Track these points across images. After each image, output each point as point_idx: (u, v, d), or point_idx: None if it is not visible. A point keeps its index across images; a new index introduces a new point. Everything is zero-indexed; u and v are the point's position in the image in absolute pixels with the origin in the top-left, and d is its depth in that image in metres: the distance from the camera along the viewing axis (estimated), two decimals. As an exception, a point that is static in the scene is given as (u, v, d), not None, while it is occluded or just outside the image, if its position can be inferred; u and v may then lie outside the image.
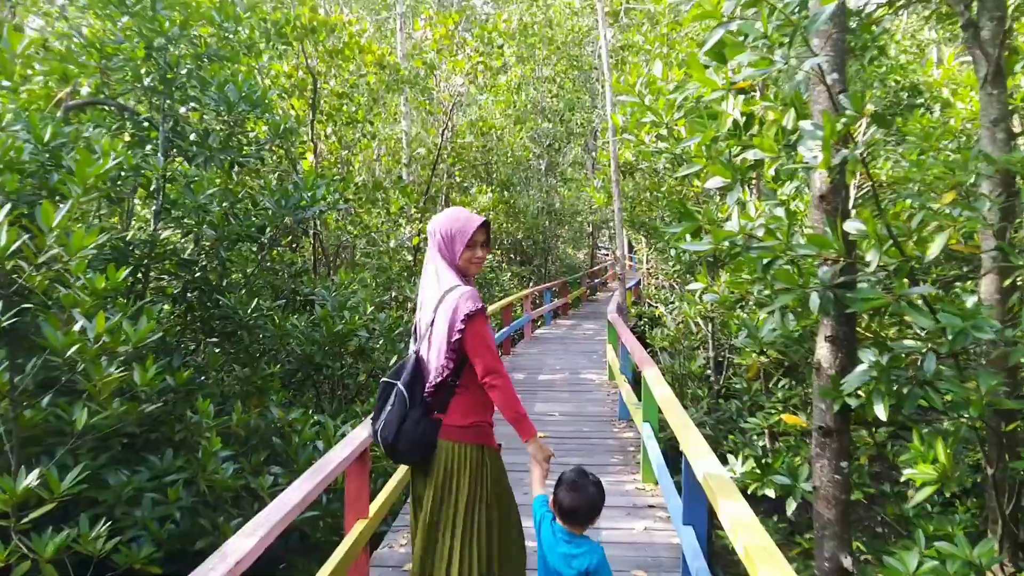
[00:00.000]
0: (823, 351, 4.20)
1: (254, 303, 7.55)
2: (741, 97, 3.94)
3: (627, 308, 12.70)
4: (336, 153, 11.59)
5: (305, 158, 10.96)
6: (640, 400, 6.24)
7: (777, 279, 3.68)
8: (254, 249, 8.66)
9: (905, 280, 3.51)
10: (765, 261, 3.97)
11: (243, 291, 8.33)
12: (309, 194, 8.56)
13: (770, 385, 5.96)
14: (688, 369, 6.94)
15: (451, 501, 2.89)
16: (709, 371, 7.24)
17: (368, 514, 4.06)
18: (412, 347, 3.07)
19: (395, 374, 2.99)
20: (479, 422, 2.96)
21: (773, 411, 5.51)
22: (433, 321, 2.91)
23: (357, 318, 8.27)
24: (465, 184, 17.56)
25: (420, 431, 2.86)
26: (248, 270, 8.61)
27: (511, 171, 20.32)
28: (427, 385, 2.92)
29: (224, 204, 7.54)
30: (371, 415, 3.11)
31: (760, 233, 3.92)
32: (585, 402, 9.40)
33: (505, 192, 19.80)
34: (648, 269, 16.20)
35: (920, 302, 3.51)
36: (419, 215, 11.56)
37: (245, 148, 7.89)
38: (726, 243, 3.92)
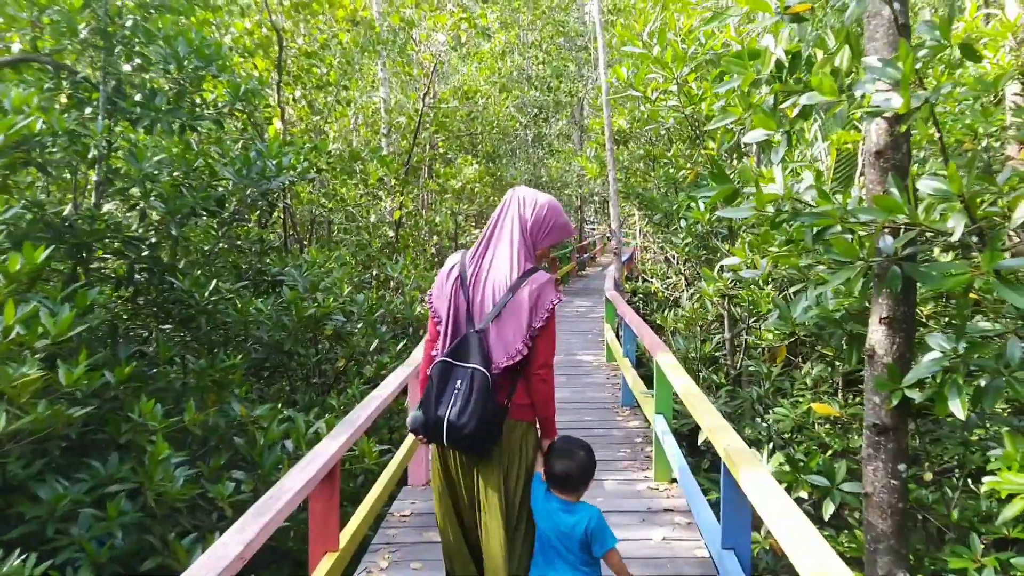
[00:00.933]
0: (877, 335, 3.56)
1: (212, 284, 6.85)
2: (795, 27, 3.26)
3: (622, 284, 12.06)
4: (307, 119, 10.82)
5: (272, 124, 10.19)
6: (651, 389, 5.61)
7: (834, 250, 3.03)
8: (215, 225, 7.93)
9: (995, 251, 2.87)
10: (815, 230, 3.33)
11: (201, 271, 7.61)
12: (274, 163, 7.84)
13: (794, 370, 5.36)
14: (702, 352, 6.33)
15: (511, 477, 2.84)
16: (722, 354, 6.64)
17: (338, 546, 3.41)
18: (450, 325, 2.86)
19: (458, 354, 2.77)
20: (532, 402, 2.90)
21: (800, 399, 4.89)
22: (510, 300, 2.77)
23: (331, 300, 7.59)
24: (449, 155, 16.80)
25: (496, 413, 2.73)
26: (207, 248, 7.89)
27: (497, 142, 19.56)
28: (494, 367, 2.75)
29: (176, 174, 6.82)
30: (418, 403, 2.87)
31: (810, 196, 3.27)
32: (584, 387, 8.77)
33: (491, 164, 19.06)
34: (642, 243, 15.56)
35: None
36: (400, 187, 10.83)
37: (199, 110, 7.14)
38: (770, 209, 3.27)
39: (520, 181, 19.99)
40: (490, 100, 18.91)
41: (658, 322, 6.14)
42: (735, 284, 5.15)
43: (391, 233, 12.47)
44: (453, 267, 2.93)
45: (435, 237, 15.12)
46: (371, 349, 9.09)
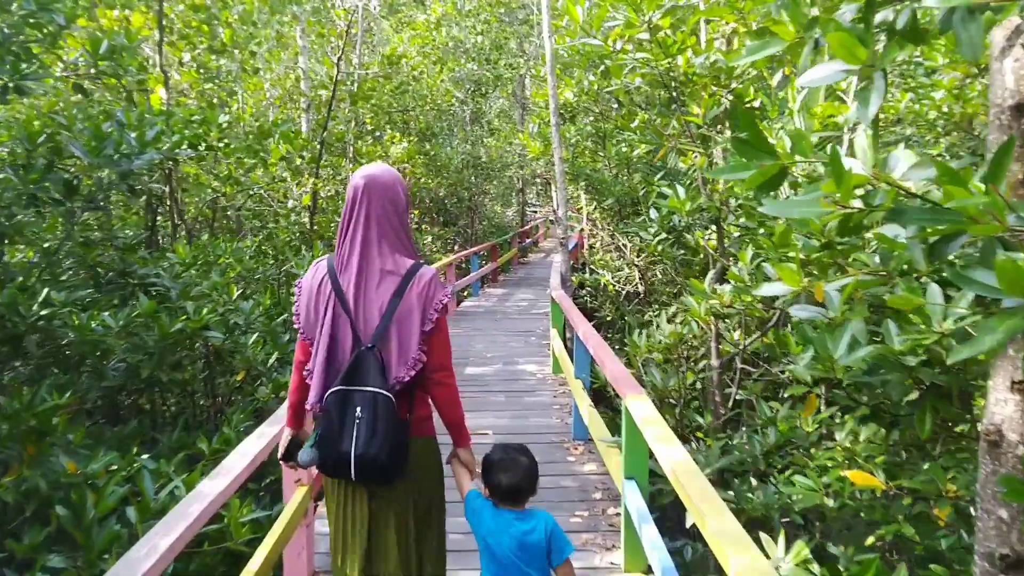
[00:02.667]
0: (1007, 409, 2.21)
1: (44, 294, 5.24)
2: None
3: (569, 278, 10.67)
4: (197, 87, 9.14)
5: (154, 92, 8.50)
6: (618, 436, 4.22)
7: (1004, 278, 1.63)
8: (60, 216, 6.28)
9: None
10: (931, 240, 1.94)
11: (38, 275, 5.97)
12: (134, 135, 6.21)
13: (821, 420, 3.98)
14: (679, 386, 4.96)
15: (422, 501, 2.62)
16: (707, 387, 5.20)
17: None
18: (331, 334, 2.49)
19: (353, 378, 2.43)
20: (430, 412, 2.68)
21: (831, 461, 3.53)
22: (398, 306, 2.48)
23: (206, 311, 6.02)
24: (377, 132, 15.16)
25: (401, 435, 2.45)
26: (48, 246, 6.25)
27: (431, 119, 17.97)
28: (395, 382, 2.47)
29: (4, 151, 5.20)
30: (308, 440, 2.55)
31: (917, 180, 1.88)
32: (526, 409, 7.35)
33: (425, 143, 17.46)
34: (590, 230, 14.19)
35: None
36: (309, 167, 9.22)
37: (25, 69, 5.48)
38: (857, 202, 1.86)
39: (457, 161, 18.45)
40: (423, 73, 17.31)
41: (626, 349, 4.79)
42: (734, 304, 3.84)
43: (306, 219, 10.84)
44: (323, 279, 2.55)
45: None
46: (269, 364, 7.53)
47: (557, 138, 10.43)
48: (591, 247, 14.39)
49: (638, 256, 12.50)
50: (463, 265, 17.33)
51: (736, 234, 4.93)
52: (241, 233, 11.41)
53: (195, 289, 6.35)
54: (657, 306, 12.64)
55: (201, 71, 8.86)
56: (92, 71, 7.06)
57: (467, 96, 19.57)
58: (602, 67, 11.26)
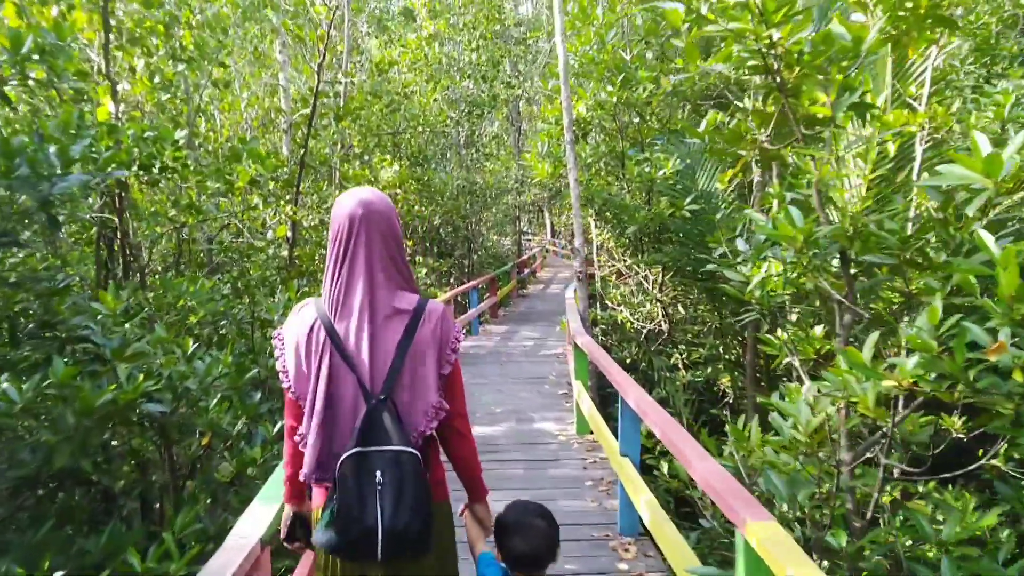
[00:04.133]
0: None
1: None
2: None
3: (588, 318, 9.38)
4: (152, 99, 7.86)
5: (101, 105, 7.23)
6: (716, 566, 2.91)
7: None
8: (-41, 252, 4.98)
9: None
10: None
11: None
12: (55, 149, 4.95)
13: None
14: (808, 498, 3.55)
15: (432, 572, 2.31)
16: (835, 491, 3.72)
17: None
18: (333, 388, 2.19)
19: (370, 438, 2.12)
20: (444, 472, 2.39)
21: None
22: (404, 347, 2.19)
23: (142, 378, 4.70)
24: (365, 156, 13.89)
25: (428, 499, 2.15)
26: (-61, 292, 4.95)
27: (424, 141, 16.75)
28: (417, 437, 2.21)
29: None
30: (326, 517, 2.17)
31: None
32: (553, 487, 6.01)
33: (417, 168, 16.22)
34: (605, 261, 12.91)
35: None
36: (286, 192, 7.92)
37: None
38: None
39: (451, 187, 17.20)
40: (416, 92, 16.13)
41: (728, 448, 3.43)
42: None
43: (284, 253, 9.53)
44: (313, 325, 2.19)
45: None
46: (236, 431, 6.23)
47: (572, 157, 9.20)
48: (604, 280, 13.10)
49: (660, 290, 11.23)
50: (460, 300, 16.04)
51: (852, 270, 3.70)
52: (209, 269, 10.09)
53: (133, 347, 5.02)
54: (684, 347, 11.36)
55: (157, 81, 7.60)
56: (14, 74, 5.80)
57: (461, 117, 18.36)
58: (622, 76, 10.09)
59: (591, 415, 6.41)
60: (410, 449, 2.12)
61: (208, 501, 6.42)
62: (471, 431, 2.39)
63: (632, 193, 10.46)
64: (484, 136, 21.28)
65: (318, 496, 2.30)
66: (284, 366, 2.29)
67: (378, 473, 2.11)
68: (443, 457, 2.40)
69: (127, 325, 5.43)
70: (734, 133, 4.03)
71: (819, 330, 4.49)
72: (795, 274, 3.65)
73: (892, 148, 4.00)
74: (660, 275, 11.29)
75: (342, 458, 2.13)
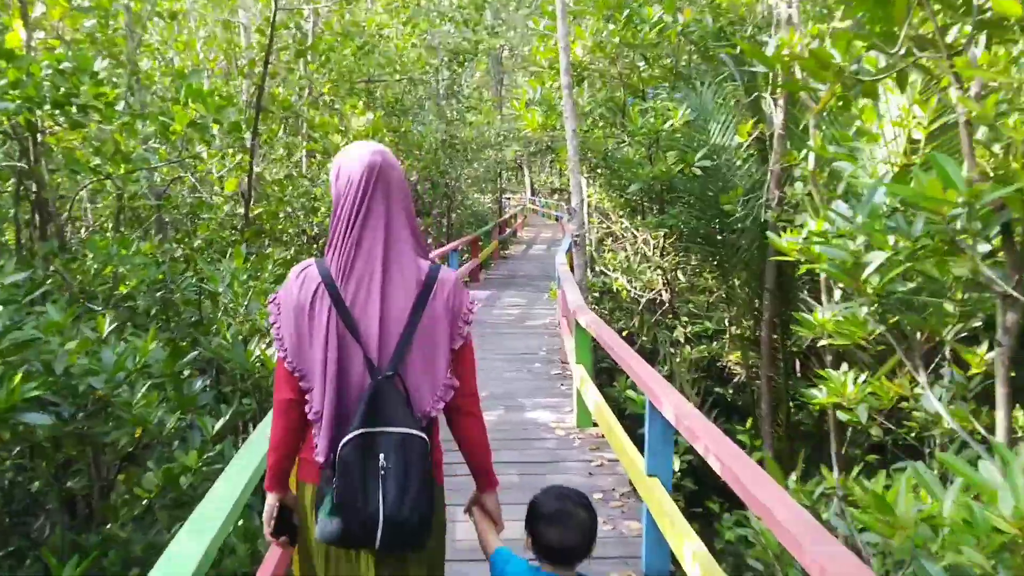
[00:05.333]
0: None
1: None
2: None
3: (586, 285, 8.32)
4: (73, 24, 6.60)
5: (11, 31, 6.01)
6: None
7: None
8: None
9: None
10: None
11: None
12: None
13: None
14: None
15: (437, 566, 2.25)
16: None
17: None
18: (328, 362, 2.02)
19: (375, 418, 1.96)
20: (442, 455, 2.25)
21: None
22: (415, 319, 2.04)
23: (18, 379, 3.61)
24: (335, 104, 12.61)
25: (431, 486, 2.02)
26: None
27: (401, 90, 15.46)
28: (423, 419, 2.05)
29: None
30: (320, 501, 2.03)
31: None
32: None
33: (394, 118, 14.96)
34: (598, 223, 11.82)
35: None
36: (236, 140, 6.72)
37: None
38: None
39: (430, 140, 15.95)
40: (392, 36, 14.80)
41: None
42: None
43: (241, 209, 8.35)
44: (316, 291, 2.02)
45: (315, 217, 11.01)
46: (169, 428, 5.18)
47: (570, 104, 8.05)
48: (599, 243, 12.02)
49: (662, 256, 10.18)
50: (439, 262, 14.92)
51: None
52: (156, 230, 8.89)
53: (9, 336, 3.87)
54: (687, 319, 10.33)
55: (77, 2, 6.34)
56: None
57: (441, 65, 17.04)
58: (626, 12, 8.91)
59: (599, 411, 5.36)
60: (418, 433, 1.99)
61: (136, 513, 5.36)
62: (482, 412, 2.24)
63: (634, 147, 9.34)
64: (466, 86, 19.99)
65: (307, 471, 2.16)
66: (280, 334, 2.09)
67: (382, 456, 1.97)
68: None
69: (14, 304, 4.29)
70: (822, 54, 2.91)
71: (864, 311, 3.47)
72: (919, 254, 2.59)
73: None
74: (661, 239, 10.24)
75: (345, 439, 1.97)
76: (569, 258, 10.49)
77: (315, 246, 11.47)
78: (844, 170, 3.04)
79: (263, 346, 5.65)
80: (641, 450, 4.49)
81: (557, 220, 34.71)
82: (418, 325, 2.04)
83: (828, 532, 2.18)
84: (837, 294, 6.85)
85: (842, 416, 3.88)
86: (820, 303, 8.56)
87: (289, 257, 11.22)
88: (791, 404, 9.01)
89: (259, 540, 4.98)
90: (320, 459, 2.03)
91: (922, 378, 3.15)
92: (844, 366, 5.19)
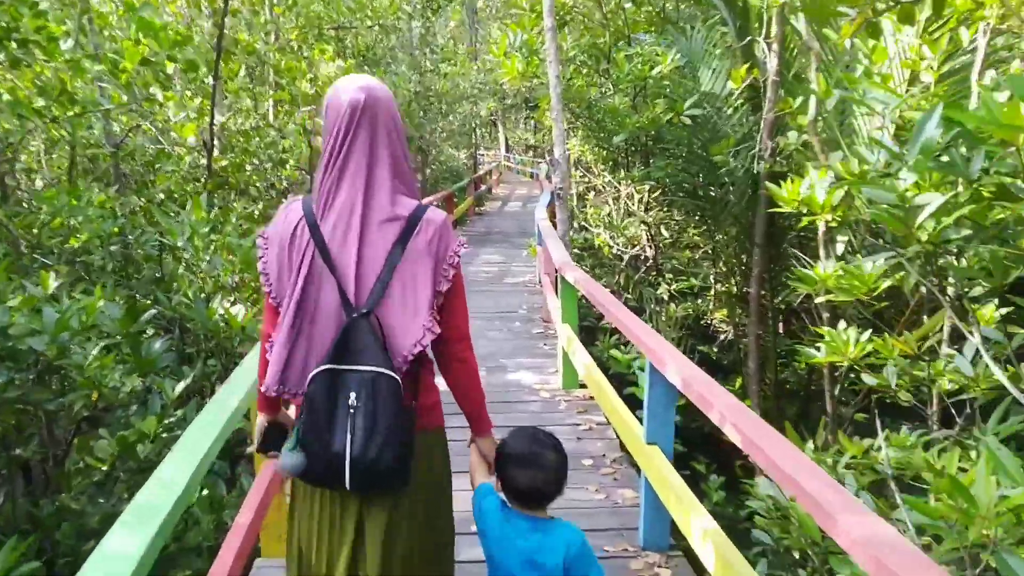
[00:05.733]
0: None
1: None
2: None
3: (569, 241, 7.96)
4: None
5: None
6: None
7: None
8: None
9: None
10: None
11: None
12: None
13: None
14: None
15: (434, 517, 2.15)
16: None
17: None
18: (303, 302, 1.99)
19: (344, 355, 1.93)
20: (439, 398, 2.20)
21: None
22: (394, 258, 1.99)
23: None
24: (303, 50, 12.02)
25: (408, 429, 1.97)
26: None
27: (373, 38, 14.87)
28: (400, 360, 1.98)
29: None
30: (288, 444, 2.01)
31: None
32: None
33: (365, 68, 14.38)
34: (580, 177, 11.41)
35: None
36: (195, 85, 6.19)
37: None
38: None
39: (404, 91, 15.39)
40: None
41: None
42: None
43: (203, 160, 7.87)
44: (299, 222, 2.01)
45: (283, 170, 10.51)
46: (127, 391, 4.85)
47: (553, 48, 7.62)
48: (580, 197, 11.64)
49: (646, 211, 9.83)
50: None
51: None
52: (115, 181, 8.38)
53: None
54: (671, 276, 10.03)
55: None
56: None
57: (415, 12, 16.41)
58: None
59: (589, 373, 5.03)
60: (389, 372, 1.92)
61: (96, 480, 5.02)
62: (474, 356, 2.19)
63: (618, 96, 8.94)
64: (440, 36, 19.36)
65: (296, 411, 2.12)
66: (266, 269, 2.09)
67: (352, 395, 1.93)
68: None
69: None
70: None
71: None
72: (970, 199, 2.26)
73: None
74: (646, 193, 9.89)
75: (312, 373, 1.95)
76: (550, 213, 10.12)
77: (284, 199, 10.99)
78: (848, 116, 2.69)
79: (227, 304, 5.27)
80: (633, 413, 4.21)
81: (532, 177, 34.24)
82: (397, 264, 1.99)
83: (865, 506, 1.88)
84: (840, 247, 6.57)
85: (871, 380, 3.57)
86: (812, 259, 8.30)
87: (257, 213, 10.76)
88: (777, 362, 8.79)
89: (225, 511, 4.67)
90: (262, 388, 2.05)
91: (976, 338, 2.84)
92: (842, 324, 4.97)
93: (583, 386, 6.04)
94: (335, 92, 2.06)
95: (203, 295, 5.34)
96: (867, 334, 4.61)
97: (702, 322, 10.13)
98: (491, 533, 2.19)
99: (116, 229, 5.95)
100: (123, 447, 4.31)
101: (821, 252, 6.41)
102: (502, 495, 2.23)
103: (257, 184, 11.03)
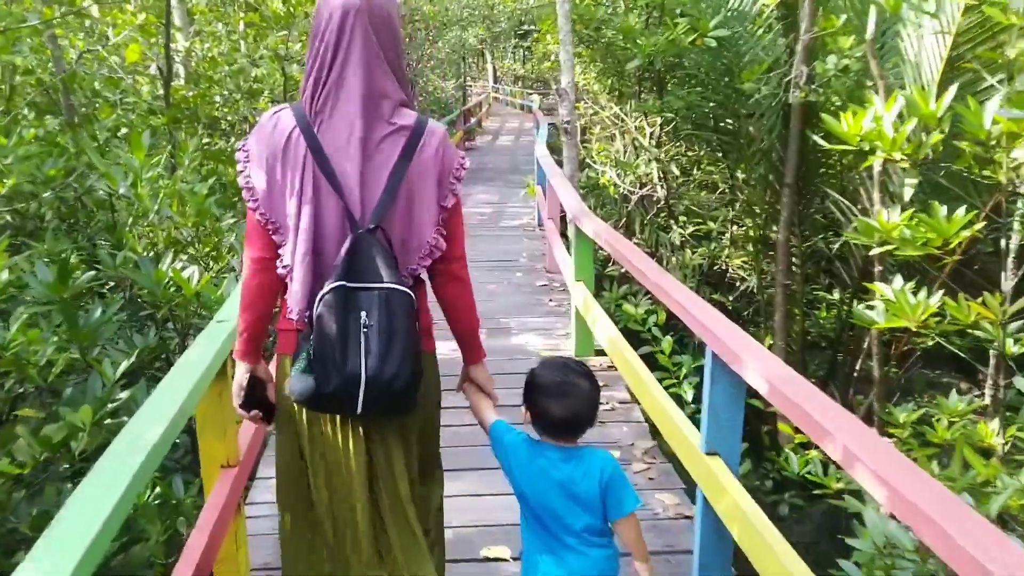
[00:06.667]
0: None
1: None
2: None
3: (577, 183, 7.11)
4: None
5: None
6: None
7: None
8: None
9: None
10: None
11: None
12: None
13: None
14: None
15: (425, 437, 2.18)
16: None
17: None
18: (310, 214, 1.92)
19: (355, 272, 1.87)
20: (431, 319, 2.15)
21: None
22: (400, 171, 1.93)
23: None
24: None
25: (418, 346, 1.95)
26: None
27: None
28: (407, 276, 1.99)
29: None
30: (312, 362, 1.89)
31: None
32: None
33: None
34: (585, 108, 10.45)
35: None
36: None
37: None
38: None
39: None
40: None
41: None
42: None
43: (146, 88, 6.89)
44: (291, 132, 1.90)
45: (257, 102, 9.52)
46: (56, 370, 4.11)
47: (560, -41, 6.64)
48: (584, 131, 10.72)
49: (658, 146, 8.94)
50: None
51: None
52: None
53: None
54: (684, 218, 9.18)
55: None
56: None
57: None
58: None
59: (613, 346, 4.23)
60: (403, 288, 1.88)
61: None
62: (469, 277, 2.15)
63: (632, 15, 7.97)
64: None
65: (286, 342, 2.03)
66: (249, 183, 1.95)
67: (363, 313, 1.87)
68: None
69: None
70: None
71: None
72: None
73: None
74: (658, 127, 8.99)
75: (322, 293, 1.87)
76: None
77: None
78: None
79: (180, 264, 4.43)
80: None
81: (523, 109, 33.05)
82: (404, 176, 1.94)
83: None
84: (908, 192, 5.75)
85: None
86: (851, 202, 7.46)
87: (227, 147, 9.82)
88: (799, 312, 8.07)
89: (180, 519, 3.92)
90: (293, 317, 1.95)
91: None
92: (899, 281, 4.21)
93: (599, 352, 5.27)
94: None
95: (152, 252, 4.50)
96: (938, 296, 3.98)
97: (715, 268, 9.36)
98: (520, 468, 2.16)
99: (53, 172, 5.04)
100: (47, 446, 3.52)
101: (876, 196, 5.60)
102: (522, 431, 2.20)
103: (229, 118, 10.06)
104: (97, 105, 7.81)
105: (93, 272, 4.37)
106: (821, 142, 7.38)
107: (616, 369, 4.81)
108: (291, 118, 1.92)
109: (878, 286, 4.62)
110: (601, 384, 4.82)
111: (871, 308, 4.78)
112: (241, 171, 1.97)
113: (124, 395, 4.13)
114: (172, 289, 4.16)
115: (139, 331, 5.02)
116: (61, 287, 4.16)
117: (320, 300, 1.86)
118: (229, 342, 2.54)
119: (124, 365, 3.94)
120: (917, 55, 6.32)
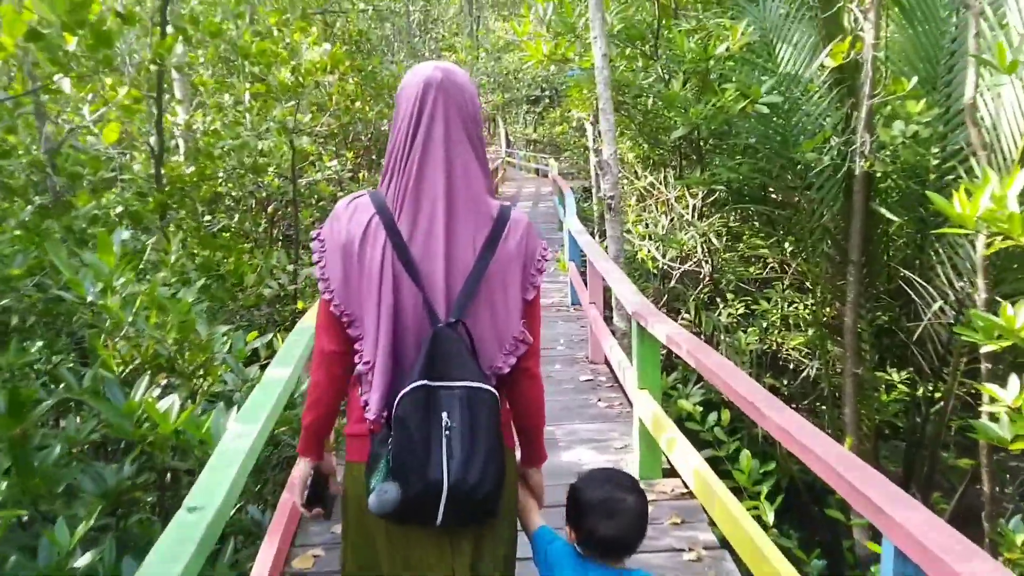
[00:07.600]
0: None
1: None
2: None
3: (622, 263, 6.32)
4: None
5: None
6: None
7: None
8: None
9: None
10: None
11: None
12: None
13: None
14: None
15: (504, 550, 2.01)
16: None
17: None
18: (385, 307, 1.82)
19: (436, 371, 1.75)
20: (510, 417, 2.03)
21: None
22: (484, 262, 1.84)
23: None
24: (284, 35, 10.36)
25: (502, 451, 1.82)
26: None
27: (366, 22, 13.22)
28: (492, 375, 1.87)
29: None
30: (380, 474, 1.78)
31: None
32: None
33: (358, 55, 12.73)
34: (624, 177, 9.73)
35: None
36: (105, 63, 4.48)
37: None
38: None
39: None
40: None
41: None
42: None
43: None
44: (371, 221, 1.82)
45: (264, 176, 8.84)
46: None
47: (599, 20, 5.96)
48: (626, 205, 9.97)
49: (701, 219, 8.17)
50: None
51: None
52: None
53: None
54: (732, 296, 8.35)
55: None
56: None
57: (413, -5, 14.79)
58: None
59: (702, 481, 3.35)
60: (487, 387, 1.77)
61: None
62: (540, 376, 2.01)
63: (675, 82, 7.28)
64: (442, 21, 17.71)
65: (358, 448, 1.90)
66: (324, 273, 1.87)
67: (445, 415, 1.75)
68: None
69: None
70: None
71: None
72: None
73: None
74: (699, 199, 8.24)
75: (402, 393, 1.76)
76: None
77: (264, 213, 9.34)
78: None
79: (159, 388, 3.61)
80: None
81: (538, 173, 32.61)
82: (487, 268, 1.84)
83: None
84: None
85: None
86: (922, 279, 6.64)
87: (233, 226, 9.11)
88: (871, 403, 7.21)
89: None
90: (371, 416, 1.83)
91: None
92: (1014, 382, 3.75)
93: (669, 473, 4.40)
94: (407, 76, 1.91)
95: (122, 372, 3.68)
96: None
97: (767, 349, 8.51)
98: None
99: (15, 272, 4.27)
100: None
101: (980, 282, 4.79)
102: (574, 545, 2.05)
103: (233, 194, 9.39)
104: (76, 190, 7.10)
105: (51, 402, 3.56)
106: (891, 216, 6.69)
107: (695, 497, 3.95)
108: (369, 205, 1.85)
109: (992, 389, 3.97)
110: (679, 520, 3.97)
111: (994, 419, 4.14)
112: (317, 261, 1.88)
113: (85, 560, 3.27)
114: (147, 425, 3.34)
115: (112, 459, 4.20)
116: (11, 422, 3.37)
117: (399, 401, 1.75)
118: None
119: (81, 529, 3.09)
120: (994, 118, 5.62)
